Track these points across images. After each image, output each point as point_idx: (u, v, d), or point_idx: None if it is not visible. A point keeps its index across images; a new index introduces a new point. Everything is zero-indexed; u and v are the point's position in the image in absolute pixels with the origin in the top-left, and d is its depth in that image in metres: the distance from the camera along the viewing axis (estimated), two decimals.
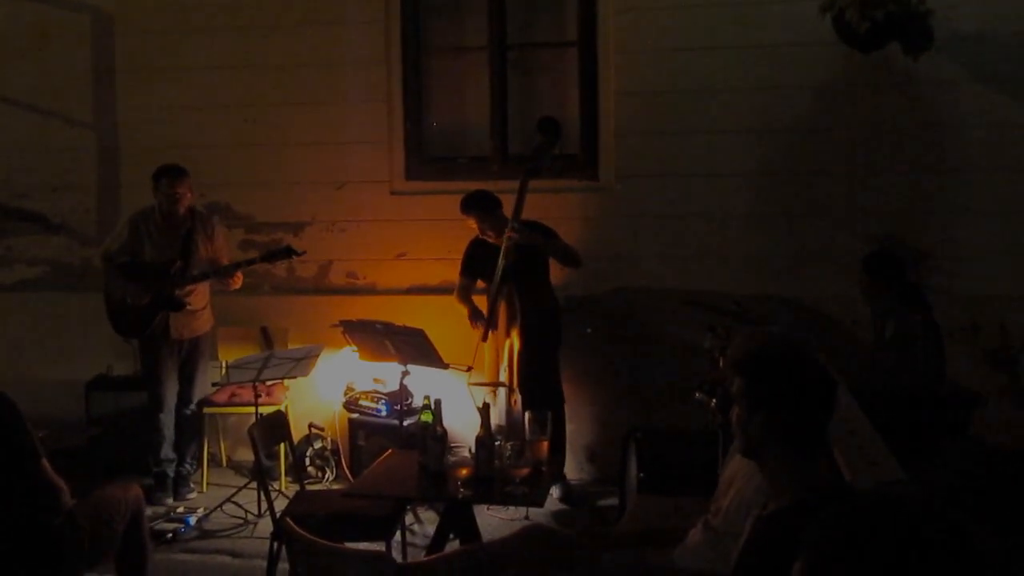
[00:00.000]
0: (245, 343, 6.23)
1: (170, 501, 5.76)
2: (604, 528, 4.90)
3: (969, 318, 5.60)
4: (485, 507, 5.13)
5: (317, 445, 6.09)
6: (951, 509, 1.48)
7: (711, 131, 5.87)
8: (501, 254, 5.37)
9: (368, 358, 5.59)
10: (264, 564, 4.34)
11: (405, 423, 5.48)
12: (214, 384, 6.02)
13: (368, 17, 6.25)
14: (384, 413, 5.89)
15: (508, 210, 5.43)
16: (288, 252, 5.71)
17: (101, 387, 6.27)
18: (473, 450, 4.06)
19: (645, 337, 6.00)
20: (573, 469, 6.00)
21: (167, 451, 5.86)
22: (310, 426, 6.14)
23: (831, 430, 2.39)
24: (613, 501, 5.40)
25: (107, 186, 6.68)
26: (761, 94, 5.79)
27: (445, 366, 5.26)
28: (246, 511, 5.52)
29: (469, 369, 5.42)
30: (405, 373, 5.32)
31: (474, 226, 5.57)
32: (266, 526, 5.01)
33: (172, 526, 5.30)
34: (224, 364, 5.98)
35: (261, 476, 4.83)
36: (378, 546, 4.10)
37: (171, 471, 5.88)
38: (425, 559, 4.14)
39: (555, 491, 5.52)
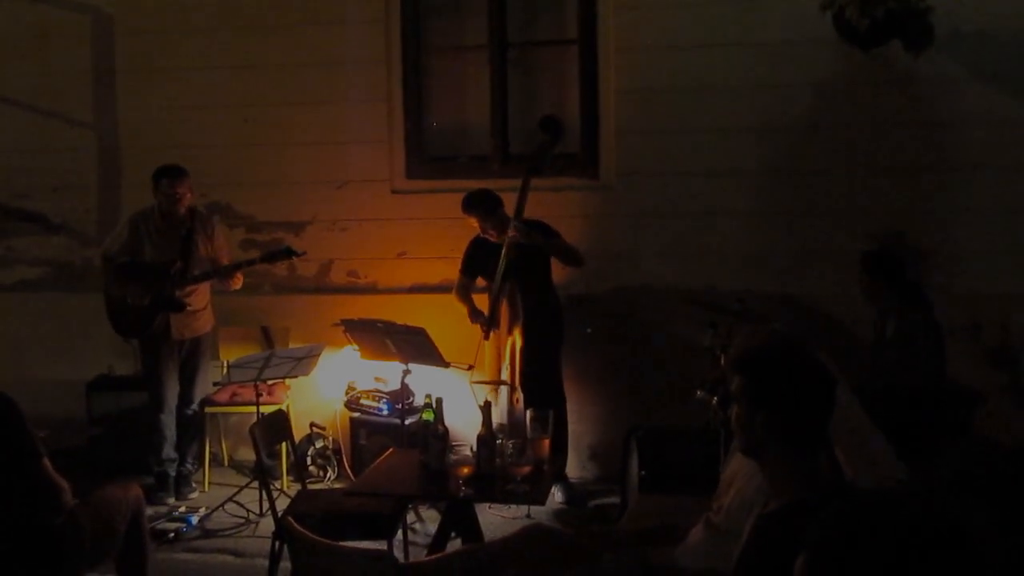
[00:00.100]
0: (246, 342, 6.23)
1: (172, 500, 5.77)
2: (605, 527, 4.90)
3: (970, 317, 5.60)
4: (487, 506, 5.12)
5: (318, 444, 6.09)
6: (953, 507, 1.48)
7: (711, 129, 5.87)
8: (503, 253, 5.37)
9: (369, 357, 5.59)
10: (266, 563, 4.34)
11: (406, 422, 5.48)
12: (215, 383, 6.03)
13: (368, 16, 6.25)
14: (385, 412, 5.89)
15: (509, 209, 5.43)
16: (288, 253, 5.71)
17: (102, 387, 6.27)
18: (475, 449, 4.05)
19: (646, 336, 6.00)
20: (575, 468, 6.00)
21: (168, 451, 5.86)
22: (311, 425, 6.14)
23: (832, 428, 2.39)
24: (614, 500, 5.40)
25: (108, 186, 6.68)
26: (762, 92, 5.79)
27: (446, 365, 5.26)
28: (248, 510, 5.52)
29: (470, 368, 5.42)
30: (406, 372, 5.32)
31: (476, 225, 5.56)
32: (268, 525, 5.00)
33: (174, 525, 5.30)
34: (225, 363, 5.98)
35: (263, 475, 4.83)
36: (380, 545, 4.10)
37: (172, 470, 5.88)
38: (427, 558, 4.15)
39: (556, 490, 5.52)
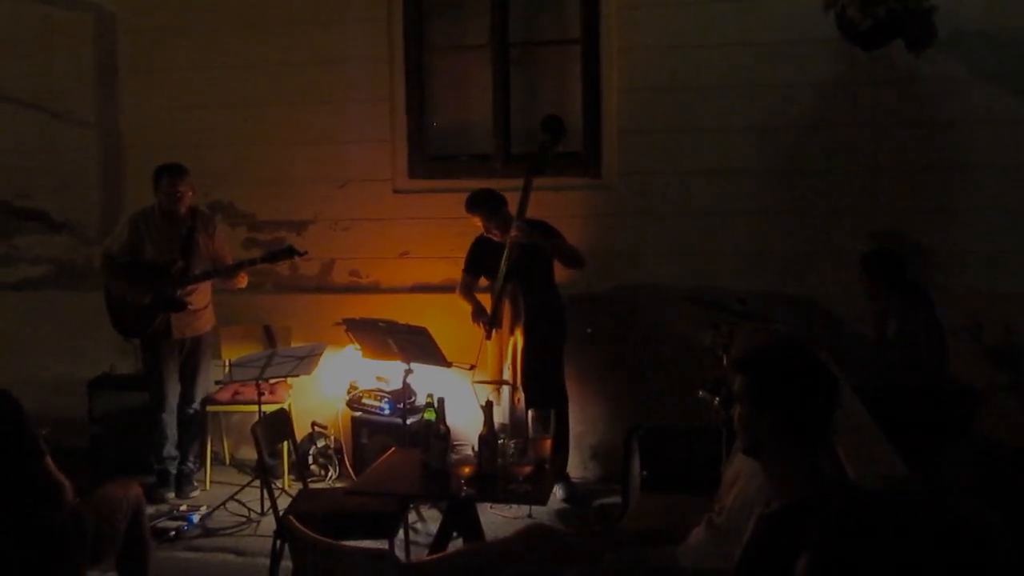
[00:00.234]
0: (248, 341, 6.23)
1: (172, 497, 5.77)
2: (607, 526, 4.90)
3: (971, 317, 5.59)
4: (488, 505, 5.12)
5: (320, 443, 6.09)
6: (955, 506, 1.47)
7: (713, 129, 5.87)
8: (505, 253, 5.37)
9: (371, 356, 5.60)
10: (267, 562, 4.34)
11: (408, 421, 5.48)
12: (217, 382, 6.03)
13: (371, 15, 6.25)
14: (387, 411, 5.89)
15: (512, 208, 5.43)
16: (290, 252, 5.70)
17: (104, 386, 6.27)
18: (476, 448, 4.05)
19: (648, 335, 5.99)
20: (576, 467, 6.00)
21: (169, 449, 5.87)
22: (313, 424, 6.14)
23: (833, 428, 2.39)
24: (616, 499, 5.40)
25: (110, 185, 6.69)
26: (764, 91, 5.78)
27: (448, 364, 5.26)
28: (249, 509, 5.52)
29: (472, 367, 5.42)
30: (408, 371, 5.32)
31: (479, 224, 5.57)
32: (269, 524, 5.00)
33: (175, 524, 5.30)
34: (227, 362, 5.98)
35: (264, 474, 4.83)
36: (381, 544, 4.10)
37: (173, 468, 5.88)
38: (428, 558, 4.15)
39: (558, 489, 5.52)
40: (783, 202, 5.84)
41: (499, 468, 4.01)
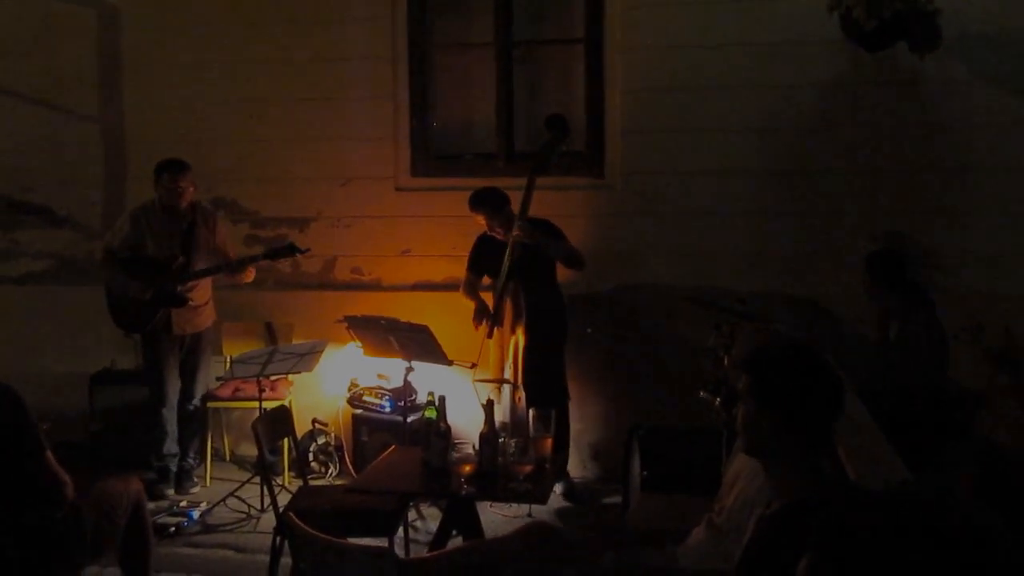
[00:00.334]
0: (249, 338, 6.23)
1: (172, 493, 5.77)
2: (607, 526, 4.90)
3: (973, 318, 5.58)
4: (488, 504, 5.13)
5: (320, 440, 6.09)
6: (955, 508, 1.48)
7: (716, 129, 5.87)
8: (507, 252, 5.37)
9: (372, 354, 5.59)
10: (267, 559, 4.34)
11: (409, 419, 5.48)
12: (218, 378, 6.03)
13: (374, 13, 6.25)
14: (388, 409, 5.89)
15: (515, 207, 5.43)
16: (291, 250, 5.69)
17: (105, 381, 6.27)
18: (477, 447, 4.05)
19: (649, 335, 5.99)
20: (576, 467, 6.00)
21: (170, 446, 5.86)
22: (314, 421, 6.14)
23: (835, 429, 2.39)
24: (616, 499, 5.40)
25: (113, 180, 6.69)
26: (767, 92, 5.78)
27: (449, 363, 5.26)
28: (249, 506, 5.53)
29: (473, 366, 5.42)
30: (409, 369, 5.32)
31: (482, 223, 5.57)
32: (269, 521, 5.01)
33: (175, 520, 5.30)
34: (228, 359, 5.98)
35: (264, 471, 4.82)
36: (381, 542, 4.10)
37: (174, 465, 5.88)
38: (427, 555, 4.14)
39: (558, 488, 5.52)
40: (784, 203, 5.84)
41: (499, 467, 4.01)
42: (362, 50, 6.28)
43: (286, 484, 5.80)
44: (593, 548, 3.22)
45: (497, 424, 4.16)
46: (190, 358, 5.88)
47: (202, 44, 6.43)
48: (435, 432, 4.10)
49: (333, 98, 6.33)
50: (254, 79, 6.40)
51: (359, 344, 5.64)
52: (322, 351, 5.72)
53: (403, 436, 5.41)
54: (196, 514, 5.39)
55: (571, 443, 5.68)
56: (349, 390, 6.14)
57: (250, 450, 6.23)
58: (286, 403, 5.79)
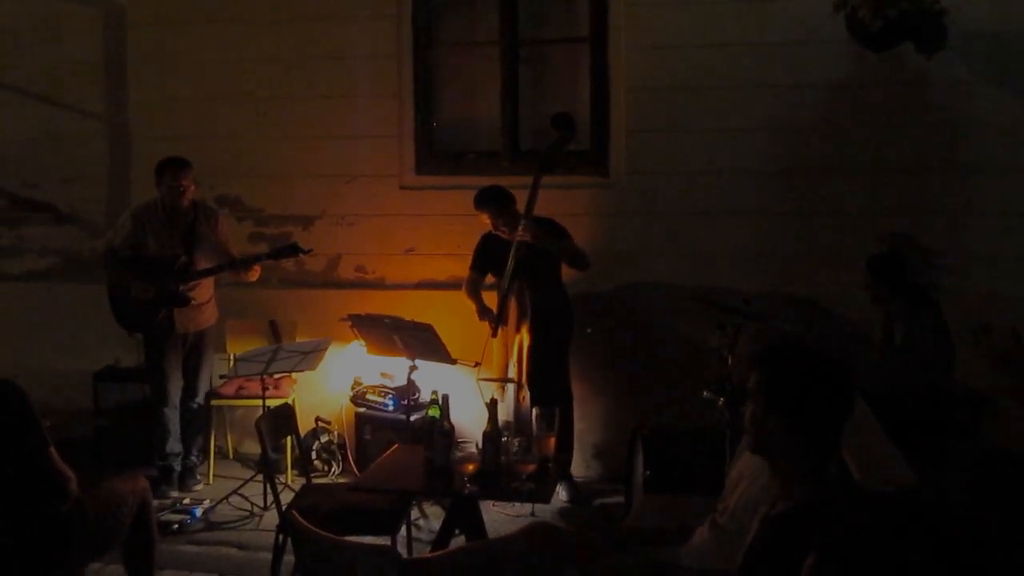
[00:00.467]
0: (253, 336, 6.23)
1: (175, 494, 5.76)
2: (609, 526, 4.89)
3: (981, 319, 5.57)
4: (491, 503, 5.12)
5: (324, 439, 6.09)
6: (960, 510, 1.47)
7: (721, 129, 5.86)
8: (512, 251, 5.37)
9: (376, 352, 5.59)
10: (269, 557, 4.34)
11: (412, 418, 5.47)
12: (222, 376, 6.02)
13: (380, 11, 6.25)
14: (391, 408, 5.89)
15: (519, 205, 5.43)
16: (294, 250, 5.67)
17: (109, 378, 6.28)
18: (480, 446, 4.05)
19: (653, 334, 5.98)
20: (580, 466, 6.00)
21: (173, 445, 5.86)
22: (317, 420, 6.14)
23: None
24: (619, 499, 5.39)
25: (117, 177, 6.70)
26: (772, 92, 5.77)
27: (453, 361, 5.26)
28: (252, 503, 5.52)
29: (477, 365, 5.42)
30: (413, 368, 5.32)
31: (486, 221, 5.56)
32: (272, 519, 5.02)
33: (178, 517, 5.31)
34: (232, 357, 5.98)
35: (267, 469, 4.83)
36: (383, 540, 4.10)
37: (177, 465, 5.87)
38: (430, 554, 4.14)
39: (561, 488, 5.51)
40: (791, 203, 5.83)
41: (503, 466, 4.00)
42: (367, 48, 6.28)
43: (289, 482, 5.80)
44: (595, 548, 3.21)
45: (501, 423, 4.16)
46: (193, 356, 5.88)
47: (206, 42, 6.43)
48: (438, 431, 4.09)
49: (338, 96, 6.32)
50: (258, 77, 6.40)
51: (363, 342, 5.63)
52: (326, 349, 5.72)
53: (406, 435, 5.41)
54: (199, 512, 5.39)
55: (575, 442, 5.67)
56: (352, 388, 6.13)
57: (253, 448, 6.22)
58: (289, 401, 5.80)
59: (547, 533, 3.23)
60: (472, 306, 5.69)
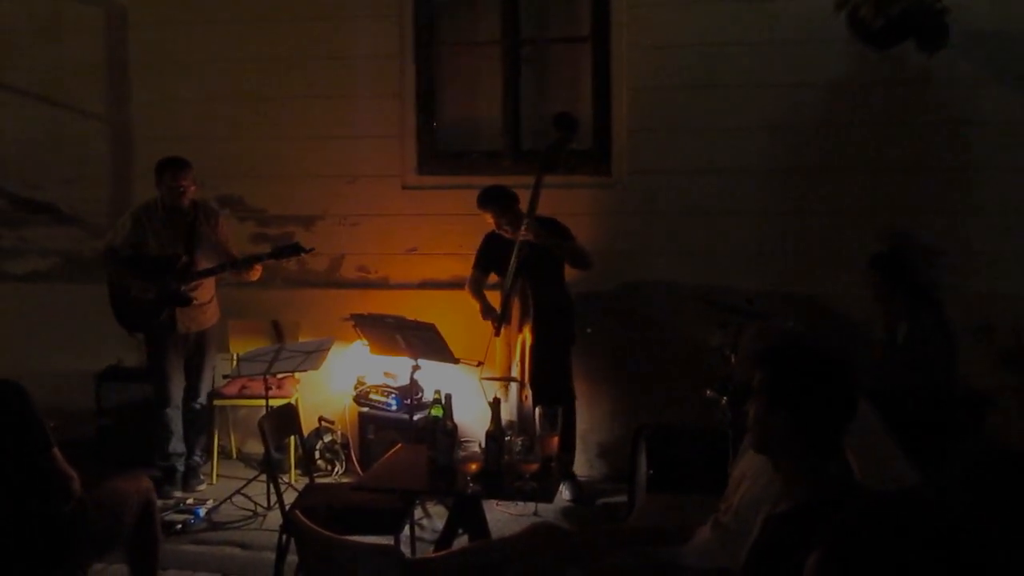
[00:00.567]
0: (256, 336, 6.23)
1: (178, 494, 5.77)
2: (613, 525, 4.90)
3: (983, 318, 5.57)
4: (494, 503, 5.13)
5: (327, 438, 6.10)
6: (962, 510, 1.47)
7: (723, 128, 5.85)
8: (515, 250, 5.37)
9: (379, 352, 5.60)
10: (273, 556, 4.35)
11: (415, 417, 5.47)
12: (225, 376, 6.03)
13: (382, 11, 6.25)
14: (394, 407, 5.90)
15: (522, 205, 5.43)
16: (296, 249, 5.68)
17: (111, 378, 6.29)
18: (483, 445, 4.05)
19: (656, 334, 5.98)
20: (583, 466, 6.00)
21: (175, 445, 5.86)
22: (320, 419, 6.15)
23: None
24: (622, 498, 5.39)
25: (119, 178, 6.70)
26: (774, 91, 5.77)
27: (456, 361, 5.26)
28: (255, 503, 5.53)
29: (480, 364, 5.43)
30: (416, 367, 5.33)
31: (489, 221, 5.56)
32: (275, 518, 5.02)
33: (181, 517, 5.31)
34: (235, 356, 5.99)
35: (270, 469, 4.84)
36: (387, 540, 4.10)
37: (180, 465, 5.88)
38: (433, 554, 4.14)
39: (564, 488, 5.51)
40: (793, 202, 5.83)
41: (506, 465, 4.00)
42: (369, 48, 6.28)
43: (292, 482, 5.81)
44: (599, 548, 3.22)
45: (504, 422, 4.16)
46: (195, 356, 5.88)
47: (209, 42, 6.43)
48: (441, 430, 4.09)
49: (340, 96, 6.33)
50: (261, 77, 6.40)
51: (366, 342, 5.64)
52: (328, 349, 5.72)
53: (409, 434, 5.41)
54: (202, 511, 5.40)
55: (578, 442, 5.68)
56: (355, 388, 6.14)
57: (256, 448, 6.23)
58: (292, 401, 5.80)
59: (550, 533, 3.23)
60: (475, 305, 5.69)
